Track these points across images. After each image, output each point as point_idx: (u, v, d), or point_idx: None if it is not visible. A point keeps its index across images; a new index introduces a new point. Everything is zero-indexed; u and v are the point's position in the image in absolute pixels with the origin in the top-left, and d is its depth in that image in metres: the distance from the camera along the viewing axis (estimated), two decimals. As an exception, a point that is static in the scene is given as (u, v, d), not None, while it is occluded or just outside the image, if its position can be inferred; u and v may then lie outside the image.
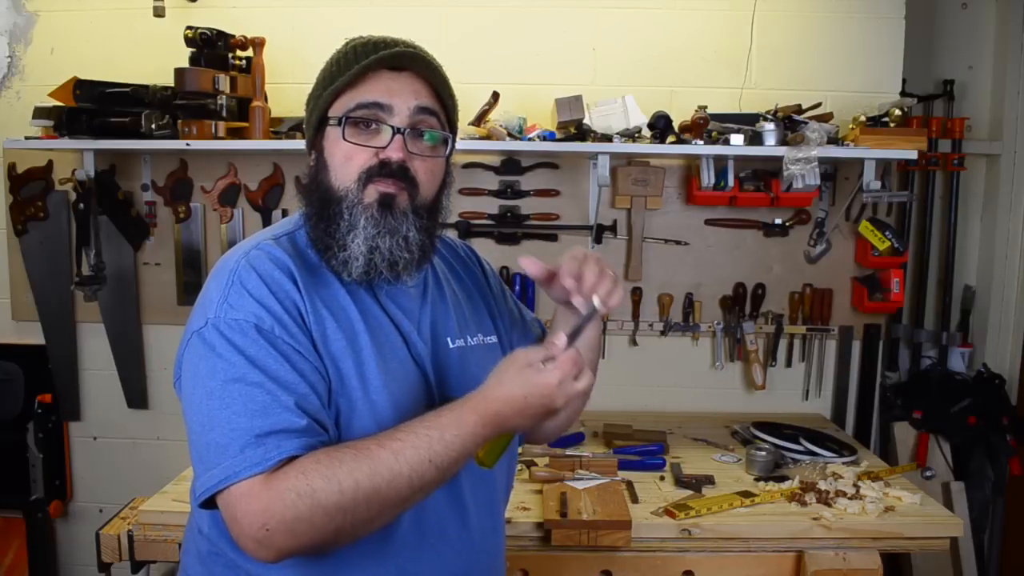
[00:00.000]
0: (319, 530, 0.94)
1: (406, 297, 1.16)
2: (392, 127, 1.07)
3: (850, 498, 1.87)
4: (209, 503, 0.99)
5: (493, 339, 1.28)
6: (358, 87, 1.08)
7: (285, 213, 2.56)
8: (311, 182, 1.13)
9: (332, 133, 1.10)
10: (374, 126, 1.08)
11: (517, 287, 2.57)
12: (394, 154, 1.07)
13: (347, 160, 1.08)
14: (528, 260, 1.12)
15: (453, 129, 1.16)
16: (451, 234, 2.51)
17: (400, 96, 1.08)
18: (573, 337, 1.03)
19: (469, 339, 1.22)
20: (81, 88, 2.33)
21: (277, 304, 1.02)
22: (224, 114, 2.30)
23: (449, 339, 1.18)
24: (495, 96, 2.40)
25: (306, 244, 1.12)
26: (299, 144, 2.32)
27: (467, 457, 1.01)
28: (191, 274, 2.61)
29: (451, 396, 1.14)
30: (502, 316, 1.32)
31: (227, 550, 1.08)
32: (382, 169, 1.08)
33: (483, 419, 0.99)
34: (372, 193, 1.08)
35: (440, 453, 0.97)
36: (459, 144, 2.39)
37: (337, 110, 1.09)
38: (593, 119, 2.38)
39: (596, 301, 1.07)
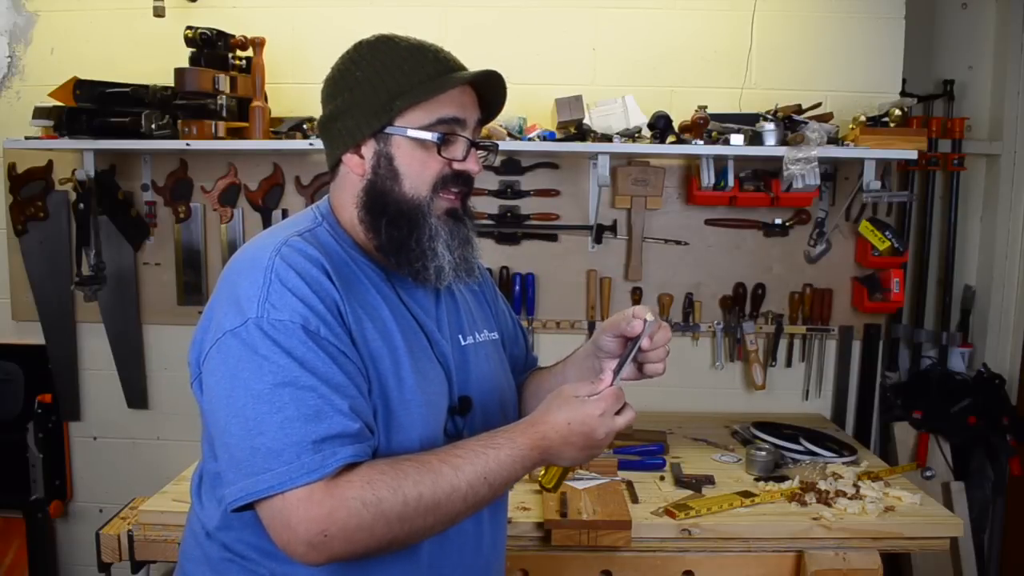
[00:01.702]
0: (376, 539, 0.95)
1: (423, 296, 1.17)
2: (468, 140, 1.11)
3: (850, 498, 1.87)
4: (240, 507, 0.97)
5: (495, 335, 1.31)
6: (435, 100, 1.08)
7: (285, 213, 2.56)
8: (372, 189, 1.11)
9: (404, 144, 1.09)
10: (451, 139, 1.10)
11: (517, 287, 2.57)
12: (474, 167, 1.12)
13: (424, 169, 1.10)
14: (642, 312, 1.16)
15: None
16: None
17: (468, 110, 1.12)
18: (618, 369, 1.11)
19: (477, 335, 1.24)
20: (81, 88, 2.33)
21: (320, 303, 1.01)
22: (224, 114, 2.30)
23: (461, 336, 1.21)
24: (495, 96, 2.39)
25: (331, 242, 1.12)
26: (299, 144, 2.33)
27: (515, 479, 1.04)
28: (191, 274, 2.61)
29: (466, 394, 1.17)
30: (496, 314, 1.36)
31: (249, 553, 1.07)
32: (457, 179, 1.11)
33: (532, 442, 1.03)
34: (441, 205, 1.11)
35: (495, 471, 1.00)
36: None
37: (417, 121, 1.08)
38: (593, 119, 2.38)
39: (649, 316, 1.13)
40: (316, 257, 1.04)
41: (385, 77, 1.09)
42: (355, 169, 1.12)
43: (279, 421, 0.95)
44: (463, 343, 1.20)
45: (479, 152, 1.15)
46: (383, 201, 1.10)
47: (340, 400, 0.97)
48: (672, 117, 2.35)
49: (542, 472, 1.12)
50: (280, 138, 2.39)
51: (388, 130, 1.08)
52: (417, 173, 1.09)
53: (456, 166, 1.11)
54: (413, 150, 1.09)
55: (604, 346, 1.20)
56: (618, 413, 1.06)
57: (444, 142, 1.09)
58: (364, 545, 0.95)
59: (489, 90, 1.15)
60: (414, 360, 1.09)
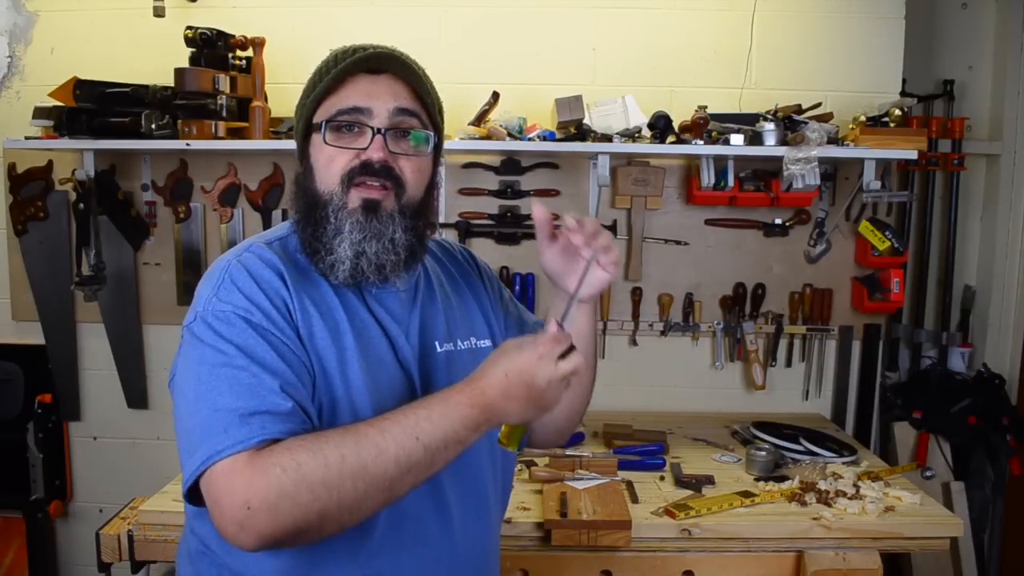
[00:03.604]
0: (303, 508, 0.91)
1: (395, 300, 1.16)
2: (372, 128, 1.09)
3: (850, 498, 1.87)
4: (198, 498, 0.97)
5: (486, 343, 1.27)
6: (338, 93, 1.10)
7: (285, 213, 2.56)
8: (299, 189, 1.15)
9: (316, 139, 1.12)
10: (356, 129, 1.10)
11: (517, 287, 2.57)
12: (375, 154, 1.09)
13: (330, 163, 1.10)
14: (538, 206, 1.14)
15: (437, 129, 1.17)
16: (451, 234, 2.53)
17: (379, 98, 1.10)
18: (566, 313, 1.06)
19: (459, 343, 1.22)
20: (81, 88, 2.33)
21: (266, 300, 1.04)
22: (224, 114, 2.30)
23: (437, 343, 1.19)
24: (495, 96, 2.39)
25: (296, 249, 1.14)
26: (299, 144, 2.33)
27: (458, 441, 0.99)
28: (191, 274, 2.61)
29: None
30: (499, 319, 1.32)
31: (212, 545, 1.10)
32: (364, 170, 1.09)
33: (470, 399, 0.99)
34: (356, 198, 1.09)
35: (428, 432, 0.97)
36: (459, 144, 2.41)
37: (319, 116, 1.11)
38: (593, 119, 2.38)
39: (587, 253, 1.09)
40: (272, 260, 1.08)
41: (309, 82, 1.15)
42: (299, 175, 1.17)
43: (212, 399, 0.97)
44: (439, 349, 1.18)
45: (409, 141, 1.11)
46: (303, 198, 1.14)
47: (271, 380, 0.98)
48: (672, 117, 2.35)
49: (504, 431, 1.06)
50: (280, 138, 2.39)
51: (308, 129, 1.14)
52: (324, 167, 1.11)
53: (362, 156, 1.09)
54: (322, 145, 1.11)
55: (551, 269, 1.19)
56: (563, 358, 0.99)
57: (333, 129, 1.09)
58: (291, 518, 0.91)
59: (409, 77, 1.13)
60: (366, 362, 1.08)
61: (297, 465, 0.92)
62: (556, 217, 1.15)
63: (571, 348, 1.01)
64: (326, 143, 1.10)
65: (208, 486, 0.95)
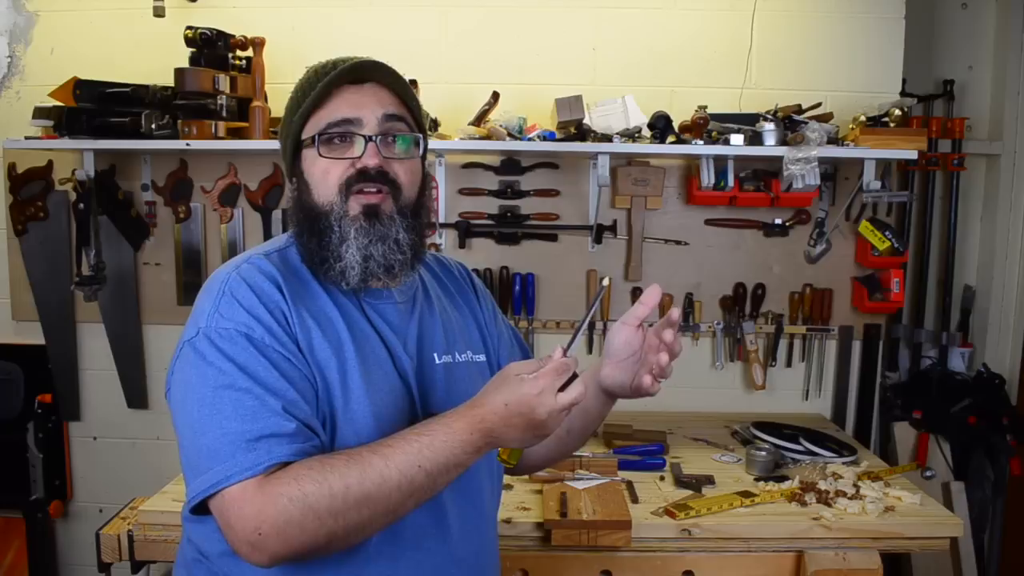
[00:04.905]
0: (310, 534, 0.95)
1: (394, 311, 1.18)
2: (363, 136, 1.11)
3: (850, 498, 1.87)
4: (202, 509, 1.00)
5: (482, 357, 1.29)
6: (325, 107, 1.12)
7: (285, 213, 2.56)
8: (296, 205, 1.16)
9: (309, 154, 1.14)
10: (348, 140, 1.12)
11: (517, 287, 2.57)
12: (370, 161, 1.11)
13: (326, 175, 1.12)
14: (656, 289, 1.14)
15: (422, 130, 1.20)
16: (451, 234, 2.53)
17: (366, 107, 1.12)
18: (571, 343, 1.05)
19: (457, 356, 1.23)
20: (81, 88, 2.33)
21: (267, 314, 1.05)
22: (224, 114, 2.30)
23: (436, 354, 1.20)
24: (495, 96, 2.39)
25: (297, 261, 1.15)
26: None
27: (459, 464, 1.01)
28: (191, 274, 2.61)
29: (435, 410, 1.14)
30: (491, 336, 1.34)
31: (211, 555, 1.10)
32: (361, 177, 1.11)
33: (471, 426, 1.00)
34: (356, 205, 1.11)
35: (429, 458, 0.99)
36: (459, 144, 2.41)
37: (309, 132, 1.13)
38: (593, 119, 2.38)
39: (606, 280, 1.11)
40: (270, 272, 1.09)
41: (293, 101, 1.17)
42: (293, 192, 1.18)
43: (218, 422, 0.98)
44: (438, 361, 1.20)
45: (399, 144, 1.14)
46: (302, 213, 1.15)
47: (274, 401, 1.00)
48: (672, 117, 2.35)
49: (503, 450, 1.08)
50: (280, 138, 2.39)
51: (297, 147, 1.16)
52: (320, 179, 1.12)
53: (357, 164, 1.11)
54: (315, 159, 1.12)
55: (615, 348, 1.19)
56: (564, 389, 0.99)
57: (325, 142, 1.11)
58: (300, 542, 0.95)
59: (393, 83, 1.15)
60: (365, 371, 1.09)
61: (303, 496, 0.94)
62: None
63: (573, 377, 1.01)
64: (320, 155, 1.11)
65: (219, 510, 0.97)
